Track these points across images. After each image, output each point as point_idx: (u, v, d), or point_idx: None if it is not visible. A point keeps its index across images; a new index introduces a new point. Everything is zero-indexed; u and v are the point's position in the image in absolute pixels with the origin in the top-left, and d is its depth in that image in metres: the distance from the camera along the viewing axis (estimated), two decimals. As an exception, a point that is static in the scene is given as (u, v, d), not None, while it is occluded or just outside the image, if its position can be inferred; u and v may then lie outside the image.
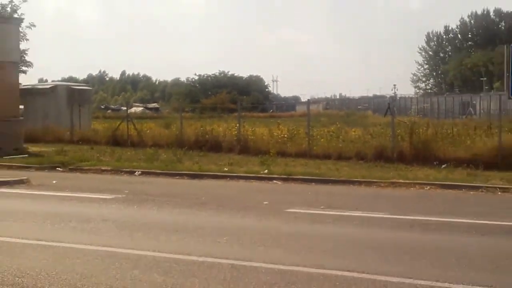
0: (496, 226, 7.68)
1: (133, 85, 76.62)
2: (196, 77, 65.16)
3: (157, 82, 77.96)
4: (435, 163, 13.23)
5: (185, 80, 69.43)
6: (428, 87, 71.22)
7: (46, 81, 26.70)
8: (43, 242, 6.48)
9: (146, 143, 17.31)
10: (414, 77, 72.81)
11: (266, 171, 12.45)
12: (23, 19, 24.14)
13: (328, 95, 71.60)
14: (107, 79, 76.25)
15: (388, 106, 17.94)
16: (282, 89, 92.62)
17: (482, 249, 6.42)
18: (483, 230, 7.39)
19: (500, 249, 6.40)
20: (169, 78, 76.52)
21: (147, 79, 78.65)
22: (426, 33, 71.18)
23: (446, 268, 5.39)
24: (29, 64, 28.37)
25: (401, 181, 11.37)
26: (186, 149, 16.04)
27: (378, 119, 27.09)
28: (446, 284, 4.80)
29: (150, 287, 4.80)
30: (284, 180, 11.85)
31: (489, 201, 10.05)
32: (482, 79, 48.33)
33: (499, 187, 10.65)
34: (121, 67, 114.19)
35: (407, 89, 63.50)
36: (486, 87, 42.84)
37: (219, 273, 5.19)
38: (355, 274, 5.04)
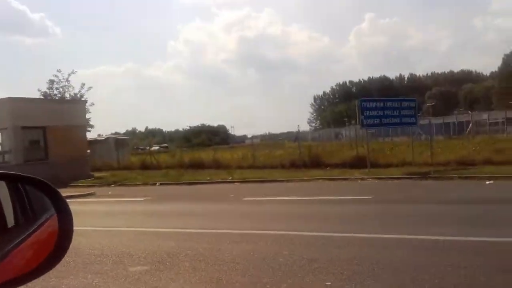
0: (354, 199, 11.15)
1: (152, 134, 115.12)
2: (188, 128, 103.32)
3: (166, 132, 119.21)
4: (323, 167, 19.56)
5: (182, 129, 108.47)
6: (316, 125, 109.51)
7: (102, 135, 36.58)
8: (107, 228, 8.74)
9: (161, 166, 24.88)
10: (308, 120, 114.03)
11: (231, 178, 18.26)
12: (87, 101, 35.33)
13: (262, 133, 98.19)
14: (137, 131, 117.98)
15: (296, 137, 26.03)
16: (236, 130, 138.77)
17: (347, 210, 9.91)
18: (344, 201, 10.87)
19: (350, 210, 9.69)
20: (172, 128, 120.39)
21: (160, 130, 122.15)
22: (313, 95, 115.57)
23: (330, 223, 8.16)
24: (91, 126, 39.39)
25: (305, 178, 16.72)
26: (185, 168, 23.03)
27: (290, 144, 36.10)
28: (328, 234, 7.32)
29: (165, 249, 6.51)
30: (241, 182, 17.25)
31: (352, 186, 14.42)
32: (345, 119, 72.94)
33: (358, 178, 15.88)
34: (145, 123, 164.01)
35: (304, 127, 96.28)
36: (347, 123, 62.09)
37: (206, 237, 7.40)
38: (281, 232, 7.24)
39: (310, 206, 10.76)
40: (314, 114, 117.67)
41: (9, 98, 27.70)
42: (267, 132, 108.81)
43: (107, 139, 32.71)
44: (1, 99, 27.81)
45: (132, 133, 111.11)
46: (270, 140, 67.89)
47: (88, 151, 26.92)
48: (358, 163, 18.84)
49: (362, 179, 15.90)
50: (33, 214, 1.21)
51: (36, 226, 1.20)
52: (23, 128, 26.95)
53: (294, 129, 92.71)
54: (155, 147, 57.03)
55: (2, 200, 1.05)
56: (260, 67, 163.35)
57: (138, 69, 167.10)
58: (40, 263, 1.03)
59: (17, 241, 1.09)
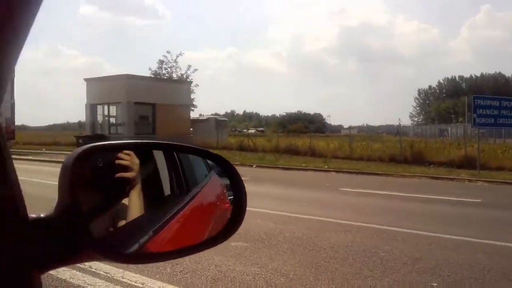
0: (460, 201, 10.45)
1: (249, 117, 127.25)
2: (284, 114, 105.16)
3: (262, 116, 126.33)
4: (426, 164, 18.79)
5: (278, 115, 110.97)
6: (419, 120, 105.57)
7: (203, 115, 39.27)
8: None
9: (257, 149, 25.70)
10: (411, 114, 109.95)
11: (326, 166, 18.44)
12: (192, 82, 38.36)
13: (359, 124, 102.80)
14: (236, 114, 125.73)
15: (397, 130, 25.06)
16: (332, 120, 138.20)
17: (453, 212, 9.81)
18: (449, 202, 10.34)
19: (457, 212, 9.14)
20: (269, 113, 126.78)
21: (258, 114, 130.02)
22: (417, 89, 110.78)
23: (436, 224, 7.85)
24: (195, 106, 42.50)
25: (406, 174, 16.19)
26: (280, 153, 23.54)
27: (390, 138, 34.78)
28: (433, 234, 6.75)
29: (264, 229, 6.65)
30: (337, 172, 17.24)
31: (458, 186, 13.62)
32: (451, 115, 72.38)
33: (466, 179, 14.97)
34: (244, 107, 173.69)
35: (405, 121, 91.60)
36: (454, 121, 58.65)
37: (305, 222, 7.40)
38: (380, 227, 7.07)
39: (411, 204, 10.29)
40: (417, 108, 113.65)
41: (126, 75, 30.10)
42: (365, 124, 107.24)
43: (208, 119, 34.17)
44: (119, 75, 30.35)
45: (231, 115, 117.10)
46: (368, 132, 66.67)
47: (191, 129, 28.38)
48: (466, 164, 17.89)
49: (470, 180, 14.87)
50: (189, 184, 1.25)
51: (193, 194, 1.25)
52: (136, 103, 29.22)
53: (393, 122, 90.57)
54: (252, 130, 59.04)
55: (160, 171, 1.09)
56: (362, 57, 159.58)
57: (239, 54, 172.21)
58: (212, 235, 1.06)
59: (176, 210, 1.13)
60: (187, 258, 5.24)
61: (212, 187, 1.30)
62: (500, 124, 17.84)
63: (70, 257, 0.73)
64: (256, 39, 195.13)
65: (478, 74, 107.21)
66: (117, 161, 0.82)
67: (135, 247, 0.85)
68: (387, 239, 6.52)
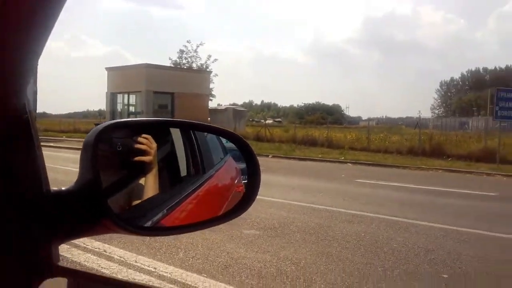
0: (477, 194, 10.37)
1: (267, 107, 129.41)
2: (302, 104, 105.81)
3: (280, 106, 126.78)
4: (444, 157, 18.53)
5: (296, 105, 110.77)
6: (440, 113, 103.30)
7: (221, 105, 39.70)
8: None
9: (274, 140, 25.78)
10: (431, 106, 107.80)
11: (343, 158, 18.37)
12: (212, 71, 38.64)
13: (378, 116, 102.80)
14: (254, 104, 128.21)
15: (416, 123, 24.70)
16: (351, 111, 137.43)
17: (468, 205, 9.29)
18: (466, 196, 10.16)
19: (472, 205, 9.10)
20: (287, 104, 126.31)
21: (275, 104, 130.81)
22: (439, 81, 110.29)
23: (450, 216, 8.57)
24: (213, 95, 42.88)
25: (423, 166, 16.11)
26: (297, 144, 23.52)
27: (409, 130, 34.37)
28: (446, 226, 7.10)
29: (277, 218, 6.80)
30: (353, 163, 17.13)
31: (476, 180, 13.43)
32: (473, 108, 71.06)
33: (485, 173, 14.86)
34: (261, 97, 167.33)
35: (425, 114, 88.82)
36: (476, 114, 57.28)
37: (318, 212, 7.40)
38: (394, 218, 7.03)
39: (427, 196, 10.19)
40: (439, 100, 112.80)
41: (146, 64, 30.37)
42: (384, 116, 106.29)
43: (226, 109, 34.31)
44: (138, 65, 30.64)
45: (249, 105, 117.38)
46: (387, 124, 66.10)
47: (209, 119, 28.53)
48: (486, 157, 17.55)
49: (489, 174, 14.66)
50: (204, 166, 1.29)
51: (208, 175, 1.29)
52: (155, 92, 29.51)
53: (413, 114, 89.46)
54: (269, 121, 59.09)
55: (177, 148, 1.12)
56: (384, 48, 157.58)
57: (259, 45, 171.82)
58: (222, 211, 1.10)
59: (193, 188, 1.17)
60: (199, 245, 5.35)
61: (228, 169, 1.34)
62: (523, 117, 17.41)
63: (88, 229, 0.78)
64: (277, 30, 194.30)
65: (503, 67, 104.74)
66: (136, 145, 0.86)
67: (149, 223, 0.90)
68: (400, 230, 6.51)
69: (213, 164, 1.36)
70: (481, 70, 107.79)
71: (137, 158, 0.86)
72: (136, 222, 0.86)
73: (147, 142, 0.87)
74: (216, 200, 1.30)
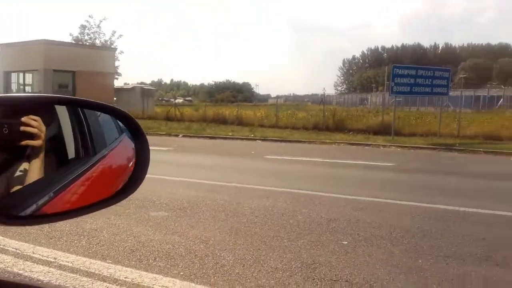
0: (376, 165, 11.03)
1: (177, 86, 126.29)
2: (213, 83, 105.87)
3: (190, 85, 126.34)
4: (346, 131, 19.75)
5: (207, 84, 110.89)
6: (342, 90, 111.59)
7: (129, 84, 37.35)
8: None
9: (184, 119, 25.38)
10: (335, 83, 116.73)
11: (252, 135, 18.67)
12: (117, 48, 36.20)
13: (286, 93, 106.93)
14: (163, 83, 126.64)
15: (321, 99, 25.79)
16: (260, 89, 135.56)
17: (367, 176, 10.39)
18: (365, 167, 10.93)
19: (371, 176, 9.82)
20: (197, 82, 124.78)
21: (185, 83, 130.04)
22: (342, 59, 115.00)
23: (351, 187, 8.61)
24: (119, 74, 40.60)
25: (327, 141, 16.99)
26: (207, 123, 23.45)
27: (315, 107, 35.93)
28: (348, 196, 7.22)
29: (186, 197, 6.68)
30: (263, 140, 17.66)
31: (374, 152, 14.53)
32: (373, 85, 76.17)
33: (381, 145, 15.97)
34: (171, 75, 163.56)
35: (330, 91, 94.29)
36: (375, 90, 62.83)
37: (227, 190, 7.44)
38: (300, 191, 7.36)
39: (331, 169, 10.76)
40: (342, 78, 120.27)
41: (44, 40, 28.03)
42: (291, 93, 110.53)
43: (133, 88, 32.97)
44: (35, 41, 28.22)
45: (158, 84, 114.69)
46: (294, 101, 68.59)
47: (115, 98, 27.33)
48: (383, 130, 18.92)
49: (385, 146, 15.81)
50: (95, 146, 1.22)
51: (100, 156, 1.22)
52: (54, 71, 27.44)
53: (319, 92, 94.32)
54: (179, 100, 58.03)
55: (64, 128, 1.05)
56: (292, 27, 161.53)
57: (171, 21, 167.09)
58: (113, 193, 1.05)
59: (82, 170, 1.11)
60: (104, 231, 5.15)
61: (123, 149, 1.27)
62: (415, 92, 18.68)
63: None
64: (191, 4, 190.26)
65: (400, 45, 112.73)
66: (22, 128, 0.78)
67: (32, 208, 0.83)
68: (305, 202, 6.80)
69: (105, 144, 1.29)
70: (379, 49, 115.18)
71: (24, 142, 0.79)
72: (14, 210, 0.79)
73: (37, 125, 0.80)
74: (111, 181, 1.23)
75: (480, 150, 14.34)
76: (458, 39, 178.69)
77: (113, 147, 1.28)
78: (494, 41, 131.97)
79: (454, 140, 16.65)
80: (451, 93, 26.87)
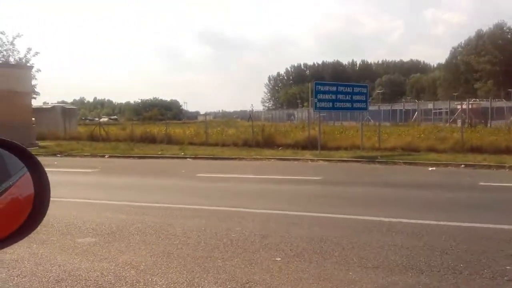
0: (304, 179, 11.57)
1: (101, 105, 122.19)
2: (139, 100, 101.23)
3: (116, 103, 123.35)
4: (275, 147, 20.02)
5: (133, 102, 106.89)
6: (270, 106, 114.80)
7: (48, 103, 34.92)
8: (54, 199, 11.44)
9: (110, 139, 24.42)
10: (262, 100, 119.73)
11: (183, 153, 18.39)
12: (33, 66, 34.11)
13: (215, 110, 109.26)
14: (86, 101, 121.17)
15: (249, 116, 26.08)
16: (189, 106, 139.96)
17: (297, 190, 10.25)
18: (295, 181, 11.18)
19: (301, 190, 9.98)
20: (123, 100, 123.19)
21: (110, 101, 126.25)
22: (268, 76, 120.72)
23: (283, 202, 8.53)
24: (37, 93, 37.81)
25: (258, 157, 16.89)
26: (135, 142, 22.76)
27: (244, 123, 36.36)
28: (280, 212, 7.62)
29: (114, 221, 6.51)
30: (194, 158, 17.30)
31: (303, 166, 14.87)
32: (298, 101, 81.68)
33: (309, 159, 16.17)
34: (94, 94, 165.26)
35: (258, 107, 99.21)
36: (300, 105, 66.56)
37: (158, 211, 7.38)
38: (233, 209, 7.39)
39: (262, 185, 10.88)
40: (268, 94, 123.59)
41: None
42: (220, 110, 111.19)
43: (53, 107, 31.39)
44: None
45: (80, 102, 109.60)
46: (224, 118, 69.10)
47: (33, 119, 25.78)
48: (310, 145, 19.35)
49: (312, 160, 16.26)
50: None
51: None
52: (-38, 91, 25.34)
53: (248, 108, 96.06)
54: (104, 119, 56.00)
55: None
56: (216, 44, 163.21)
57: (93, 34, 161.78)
58: (13, 231, 0.96)
59: None
60: (25, 261, 4.82)
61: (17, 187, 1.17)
62: (337, 107, 19.61)
63: None
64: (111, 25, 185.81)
65: (320, 62, 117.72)
66: None
67: None
68: (238, 220, 6.80)
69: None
70: (302, 66, 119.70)
71: None
72: None
73: None
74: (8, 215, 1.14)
75: (400, 162, 15.21)
76: (373, 56, 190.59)
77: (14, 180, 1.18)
78: (406, 58, 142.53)
79: (376, 153, 17.54)
80: (370, 108, 28.46)
